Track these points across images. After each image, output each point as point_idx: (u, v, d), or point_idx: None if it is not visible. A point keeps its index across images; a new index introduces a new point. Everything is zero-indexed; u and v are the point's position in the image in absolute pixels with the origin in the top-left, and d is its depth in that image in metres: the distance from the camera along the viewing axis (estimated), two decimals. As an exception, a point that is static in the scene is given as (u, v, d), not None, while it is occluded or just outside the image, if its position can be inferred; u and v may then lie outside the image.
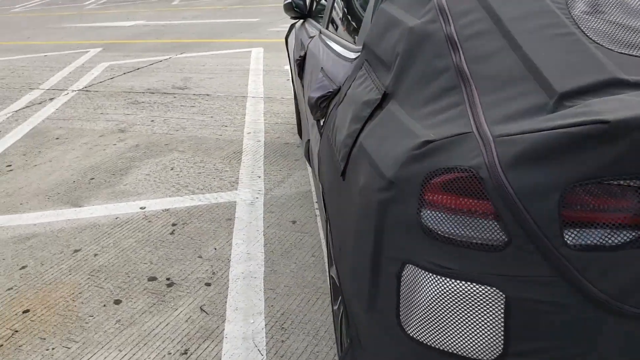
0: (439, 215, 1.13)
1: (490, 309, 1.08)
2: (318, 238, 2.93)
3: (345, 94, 1.71)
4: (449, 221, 1.11)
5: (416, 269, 1.17)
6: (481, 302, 1.08)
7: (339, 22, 2.37)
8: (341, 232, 1.52)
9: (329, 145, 1.72)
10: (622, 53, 1.15)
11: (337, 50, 2.07)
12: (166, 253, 2.90)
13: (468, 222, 1.09)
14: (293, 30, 3.91)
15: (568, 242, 1.00)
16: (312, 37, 2.68)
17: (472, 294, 1.09)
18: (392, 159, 1.22)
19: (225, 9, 12.74)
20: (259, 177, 3.76)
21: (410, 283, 1.19)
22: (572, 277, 1.00)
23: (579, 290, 1.00)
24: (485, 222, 1.07)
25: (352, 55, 1.87)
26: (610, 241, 0.99)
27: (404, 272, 1.20)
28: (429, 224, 1.14)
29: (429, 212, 1.14)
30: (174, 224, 3.21)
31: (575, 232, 1.00)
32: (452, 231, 1.10)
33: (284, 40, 8.30)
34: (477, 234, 1.07)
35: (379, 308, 1.29)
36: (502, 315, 1.07)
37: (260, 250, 2.87)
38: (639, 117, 0.93)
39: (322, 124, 1.92)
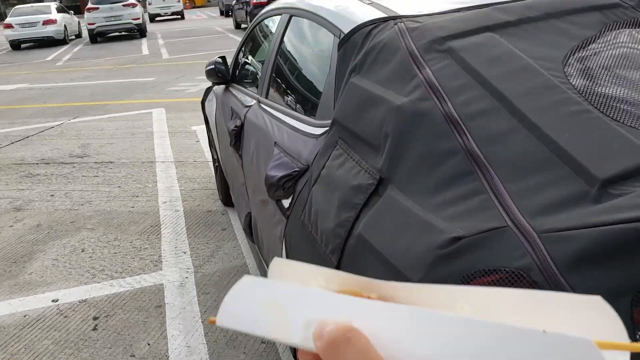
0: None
1: None
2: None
3: (320, 175, 1.55)
4: (497, 332, 0.97)
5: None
6: None
7: (283, 92, 2.23)
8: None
9: (306, 232, 1.54)
10: (646, 131, 1.09)
11: (292, 124, 1.92)
12: (91, 355, 2.53)
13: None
14: (212, 95, 3.72)
15: None
16: (248, 107, 2.52)
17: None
18: (414, 259, 1.07)
19: (116, 68, 12.26)
20: (185, 252, 3.46)
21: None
22: None
23: None
24: (544, 332, 0.93)
25: (316, 131, 1.73)
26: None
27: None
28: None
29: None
30: (95, 318, 2.83)
31: None
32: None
33: (186, 99, 8.03)
34: (535, 345, 0.94)
35: None
36: None
37: (201, 341, 2.58)
38: None
39: (288, 204, 1.74)
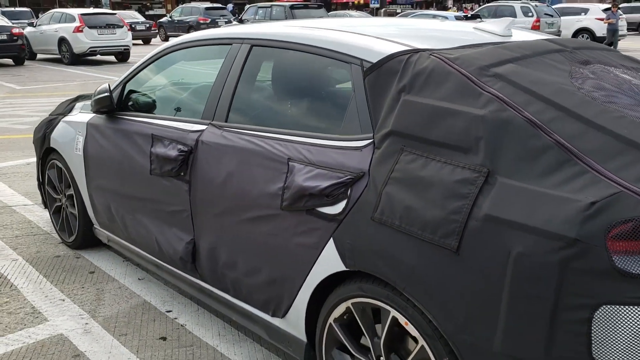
0: (631, 257, 1.42)
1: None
2: (206, 347, 2.65)
3: (390, 177, 1.80)
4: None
5: (616, 307, 1.42)
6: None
7: (270, 115, 2.35)
8: (463, 306, 1.61)
9: (387, 227, 1.77)
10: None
11: (310, 141, 2.09)
12: (32, 419, 2.16)
13: (657, 257, 1.41)
14: (68, 126, 3.44)
15: None
16: (198, 131, 2.53)
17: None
18: (565, 221, 1.45)
19: None
20: (63, 300, 3.09)
21: (608, 321, 1.42)
22: None
23: None
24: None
25: (355, 144, 1.97)
26: None
27: (596, 314, 1.43)
28: (624, 266, 1.41)
29: (620, 257, 1.42)
30: (1, 382, 2.39)
31: None
32: (647, 267, 1.41)
33: None
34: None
35: (560, 354, 1.47)
36: None
37: (157, 378, 2.42)
38: None
39: (340, 209, 1.91)
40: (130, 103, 3.12)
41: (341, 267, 1.94)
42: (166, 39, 27.31)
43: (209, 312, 2.97)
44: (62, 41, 16.27)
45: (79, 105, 3.60)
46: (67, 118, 3.58)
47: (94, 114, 3.29)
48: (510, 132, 1.66)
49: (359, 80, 2.04)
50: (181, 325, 2.85)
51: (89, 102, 3.49)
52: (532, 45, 2.10)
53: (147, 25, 24.82)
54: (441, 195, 1.68)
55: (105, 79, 13.06)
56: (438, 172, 1.71)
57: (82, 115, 3.45)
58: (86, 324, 2.86)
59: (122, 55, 17.12)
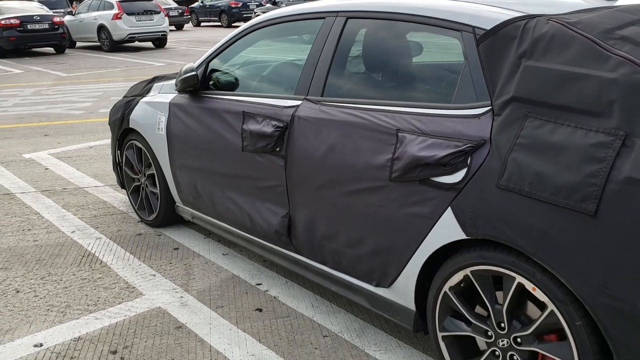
0: None
1: None
2: (302, 317, 2.70)
3: (516, 144, 1.80)
4: None
5: None
6: None
7: (374, 87, 2.36)
8: (601, 269, 1.61)
9: (515, 193, 1.77)
10: None
11: (421, 112, 2.09)
12: (151, 385, 2.25)
13: None
14: (149, 107, 3.50)
15: None
16: (293, 107, 2.55)
17: None
18: None
19: None
20: (154, 275, 3.18)
21: None
22: None
23: None
24: None
25: (472, 112, 1.96)
26: None
27: None
28: None
29: None
30: (113, 352, 2.48)
31: None
32: None
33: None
34: None
35: None
36: None
37: (259, 347, 2.48)
38: None
39: (460, 177, 1.91)
40: (212, 82, 3.16)
41: (461, 235, 1.94)
42: (198, 24, 27.49)
43: (298, 284, 3.02)
44: (101, 29, 16.49)
45: (157, 85, 3.66)
46: (145, 99, 3.64)
47: (176, 94, 3.35)
48: (645, 94, 1.63)
49: (472, 47, 2.03)
50: (274, 297, 2.90)
51: (167, 83, 3.55)
52: (649, 8, 2.06)
53: (180, 10, 24.98)
54: (575, 159, 1.67)
55: (146, 64, 13.22)
56: (569, 136, 1.70)
57: (162, 95, 3.51)
58: (181, 297, 2.94)
59: (160, 41, 17.28)
